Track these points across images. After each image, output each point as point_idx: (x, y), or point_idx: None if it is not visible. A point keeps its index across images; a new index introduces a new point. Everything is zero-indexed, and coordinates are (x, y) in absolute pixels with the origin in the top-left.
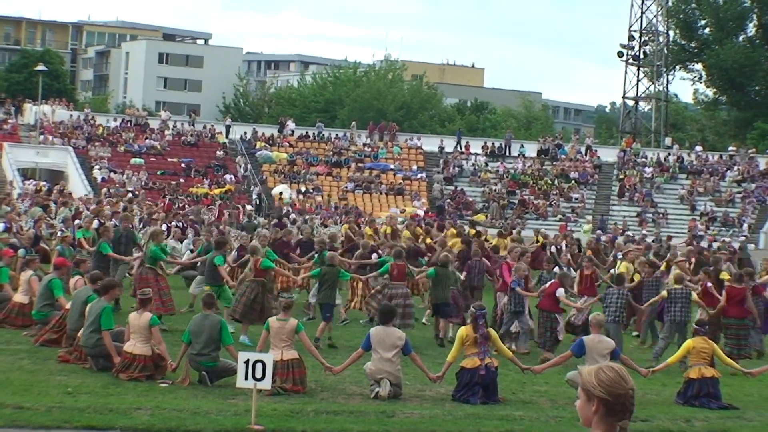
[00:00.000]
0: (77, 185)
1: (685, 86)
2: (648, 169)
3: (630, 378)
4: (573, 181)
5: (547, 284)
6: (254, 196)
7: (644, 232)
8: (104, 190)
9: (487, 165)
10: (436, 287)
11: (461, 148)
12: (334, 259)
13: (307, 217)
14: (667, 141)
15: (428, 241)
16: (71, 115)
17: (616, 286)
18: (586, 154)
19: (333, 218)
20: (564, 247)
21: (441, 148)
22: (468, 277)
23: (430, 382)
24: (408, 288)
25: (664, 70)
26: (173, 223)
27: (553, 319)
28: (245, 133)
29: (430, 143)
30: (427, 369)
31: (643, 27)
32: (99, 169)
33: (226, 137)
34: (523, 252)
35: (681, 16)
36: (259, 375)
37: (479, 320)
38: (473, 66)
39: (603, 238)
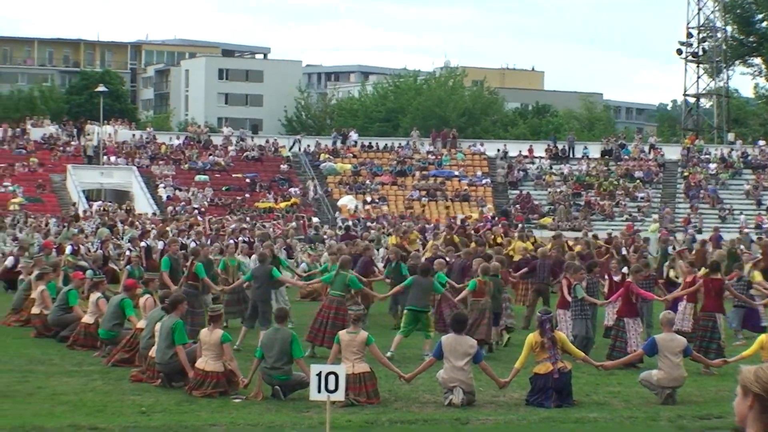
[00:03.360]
0: (142, 204)
1: (746, 81)
2: (712, 166)
3: None
4: (638, 181)
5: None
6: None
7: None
8: (170, 208)
9: (551, 168)
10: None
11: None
12: (497, 269)
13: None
14: (730, 137)
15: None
16: (134, 135)
17: None
18: (649, 153)
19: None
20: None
21: (505, 153)
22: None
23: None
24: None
25: (724, 65)
26: (240, 239)
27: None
28: (308, 145)
29: (493, 148)
30: (497, 376)
31: (701, 24)
32: (164, 188)
33: (290, 151)
34: (578, 268)
35: (738, 11)
36: (332, 387)
37: (545, 325)
38: (533, 69)
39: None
